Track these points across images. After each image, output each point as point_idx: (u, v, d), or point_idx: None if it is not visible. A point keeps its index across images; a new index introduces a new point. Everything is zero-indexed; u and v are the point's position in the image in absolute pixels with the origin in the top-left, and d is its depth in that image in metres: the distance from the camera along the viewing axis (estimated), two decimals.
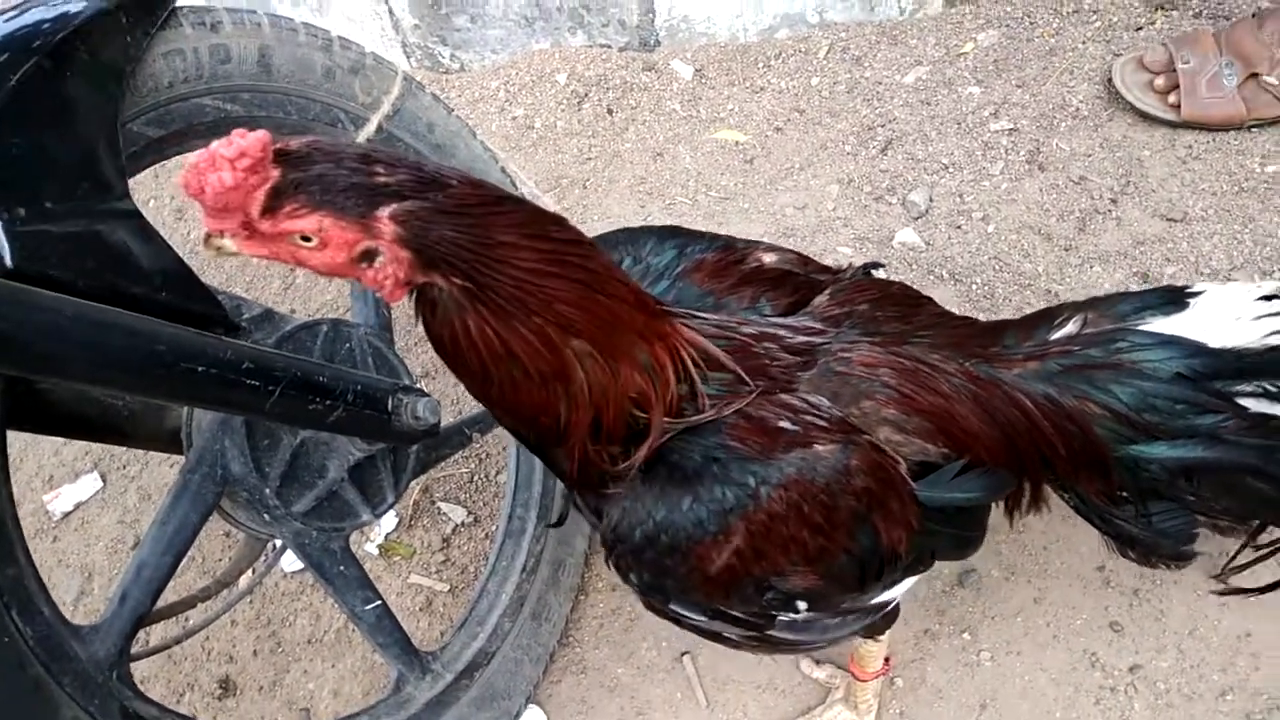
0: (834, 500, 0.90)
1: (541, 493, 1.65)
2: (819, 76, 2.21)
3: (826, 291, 1.02)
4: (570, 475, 0.92)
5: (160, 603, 1.21)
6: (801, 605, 0.97)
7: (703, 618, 0.99)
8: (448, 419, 1.53)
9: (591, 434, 0.86)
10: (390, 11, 2.46)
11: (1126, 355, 1.00)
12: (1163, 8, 2.04)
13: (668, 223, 1.20)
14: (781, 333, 0.94)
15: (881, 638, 1.31)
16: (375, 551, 1.86)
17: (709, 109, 2.24)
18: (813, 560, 0.93)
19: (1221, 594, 1.28)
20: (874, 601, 1.05)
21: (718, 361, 0.88)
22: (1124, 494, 1.05)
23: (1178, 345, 1.00)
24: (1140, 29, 2.04)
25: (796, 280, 1.03)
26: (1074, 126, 1.94)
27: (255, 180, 0.70)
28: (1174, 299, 1.04)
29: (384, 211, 0.72)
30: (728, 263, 1.01)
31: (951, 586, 1.52)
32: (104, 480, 2.15)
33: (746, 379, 0.89)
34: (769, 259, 1.04)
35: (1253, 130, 1.83)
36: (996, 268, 1.80)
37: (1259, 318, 1.01)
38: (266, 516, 1.23)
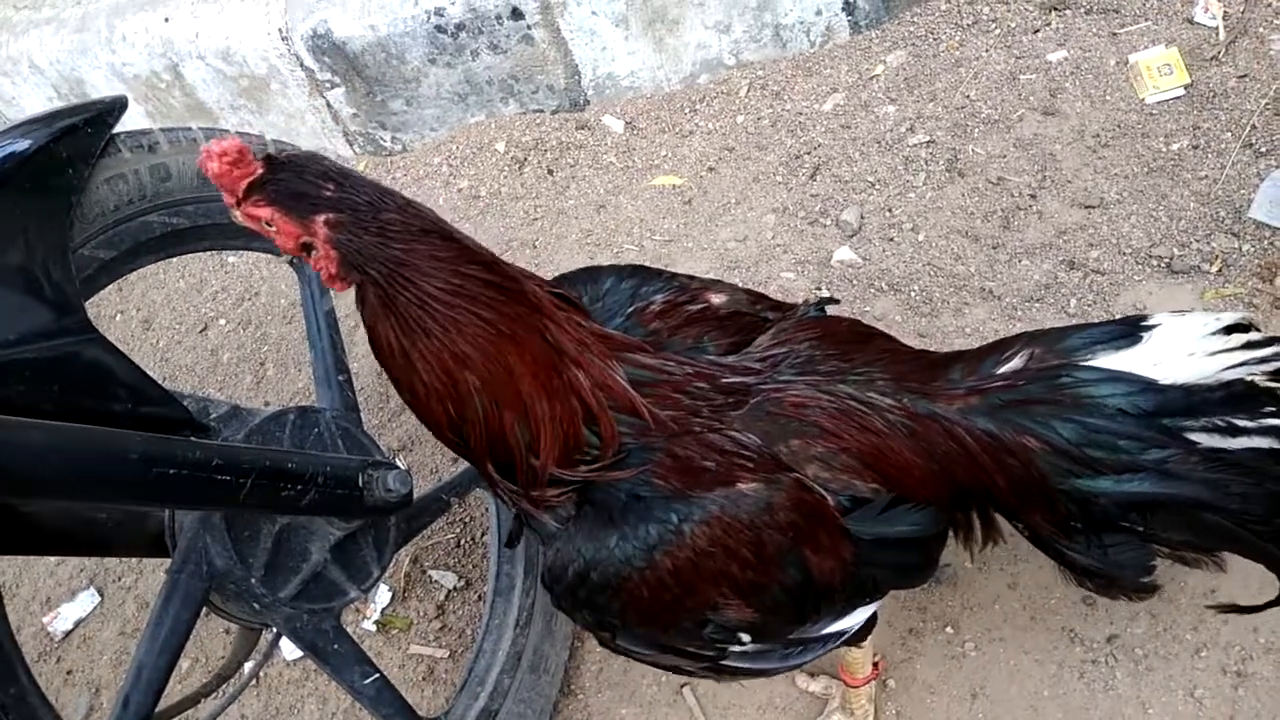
0: (759, 535, 0.94)
1: (525, 547, 1.69)
2: (743, 114, 2.30)
3: (770, 331, 1.07)
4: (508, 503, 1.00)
5: (164, 704, 1.25)
6: (745, 637, 1.01)
7: (652, 652, 1.03)
8: (428, 486, 1.58)
9: (497, 470, 0.95)
10: (328, 104, 2.55)
11: (1069, 391, 1.02)
12: (1055, 9, 2.16)
13: None
14: (716, 372, 1.00)
15: (864, 644, 1.36)
16: (373, 628, 1.89)
17: (644, 158, 2.33)
18: (745, 594, 0.97)
19: (1213, 608, 1.30)
20: (828, 630, 1.09)
21: (630, 407, 0.94)
22: (1076, 525, 1.06)
23: (1123, 381, 1.01)
24: (1038, 31, 2.15)
25: (743, 320, 1.08)
26: (986, 131, 2.04)
27: (240, 172, 0.88)
28: (1127, 333, 1.04)
29: (319, 218, 0.88)
30: (676, 304, 1.07)
31: (930, 584, 1.57)
32: (101, 595, 2.17)
33: (656, 424, 0.95)
34: (717, 299, 1.09)
35: (1153, 113, 1.93)
36: (931, 273, 1.88)
37: (1214, 353, 1.01)
38: (256, 605, 1.27)
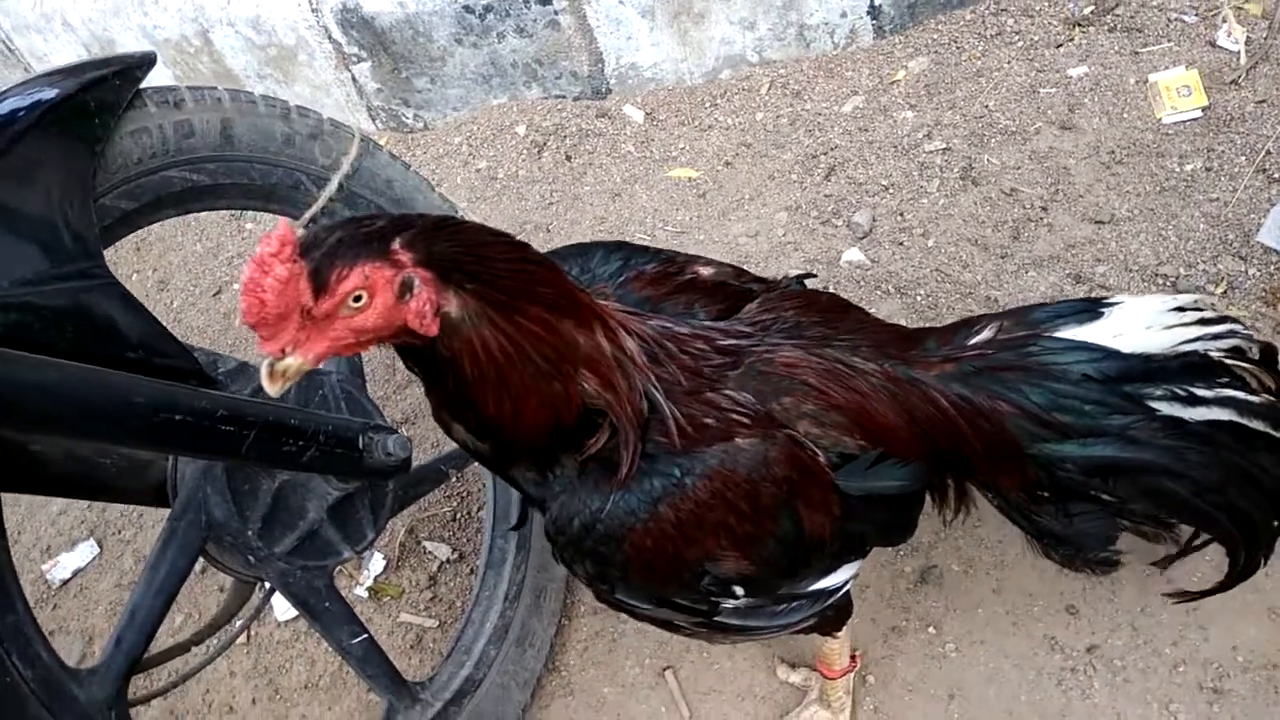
0: (756, 488, 0.97)
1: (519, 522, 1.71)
2: (763, 112, 2.32)
3: (757, 300, 1.10)
4: (533, 478, 1.00)
5: (156, 650, 1.28)
6: (739, 590, 1.04)
7: (649, 605, 1.06)
8: (427, 458, 1.61)
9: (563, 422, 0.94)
10: (353, 79, 2.57)
11: (1036, 358, 1.07)
12: (1079, 25, 2.16)
13: None
14: (713, 335, 1.03)
15: (839, 634, 1.38)
16: (365, 594, 1.92)
17: (661, 149, 2.35)
18: (741, 545, 1.00)
19: (1169, 595, 1.34)
20: (814, 588, 1.12)
21: (642, 370, 0.96)
22: (1044, 493, 1.11)
23: (1086, 349, 1.06)
24: (1060, 45, 2.16)
25: (730, 290, 1.12)
26: (1003, 142, 2.05)
27: (299, 269, 0.78)
28: (1089, 309, 1.10)
29: (396, 244, 0.82)
30: (667, 274, 1.11)
31: (915, 584, 1.59)
32: (100, 546, 2.21)
33: (663, 385, 0.97)
34: (705, 271, 1.13)
35: (1169, 133, 1.94)
36: (938, 279, 1.90)
37: (1170, 327, 1.07)
38: (251, 558, 1.29)
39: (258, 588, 1.47)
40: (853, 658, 1.47)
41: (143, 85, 1.24)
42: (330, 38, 2.47)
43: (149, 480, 1.34)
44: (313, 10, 2.44)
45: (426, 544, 1.94)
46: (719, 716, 1.57)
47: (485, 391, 0.89)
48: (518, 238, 0.93)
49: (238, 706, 1.87)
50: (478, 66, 2.47)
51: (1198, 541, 1.25)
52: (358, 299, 0.80)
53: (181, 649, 1.40)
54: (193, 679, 1.91)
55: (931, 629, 1.55)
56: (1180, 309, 1.08)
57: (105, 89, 1.16)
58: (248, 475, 1.28)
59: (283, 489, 1.32)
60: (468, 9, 2.33)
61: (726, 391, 1.00)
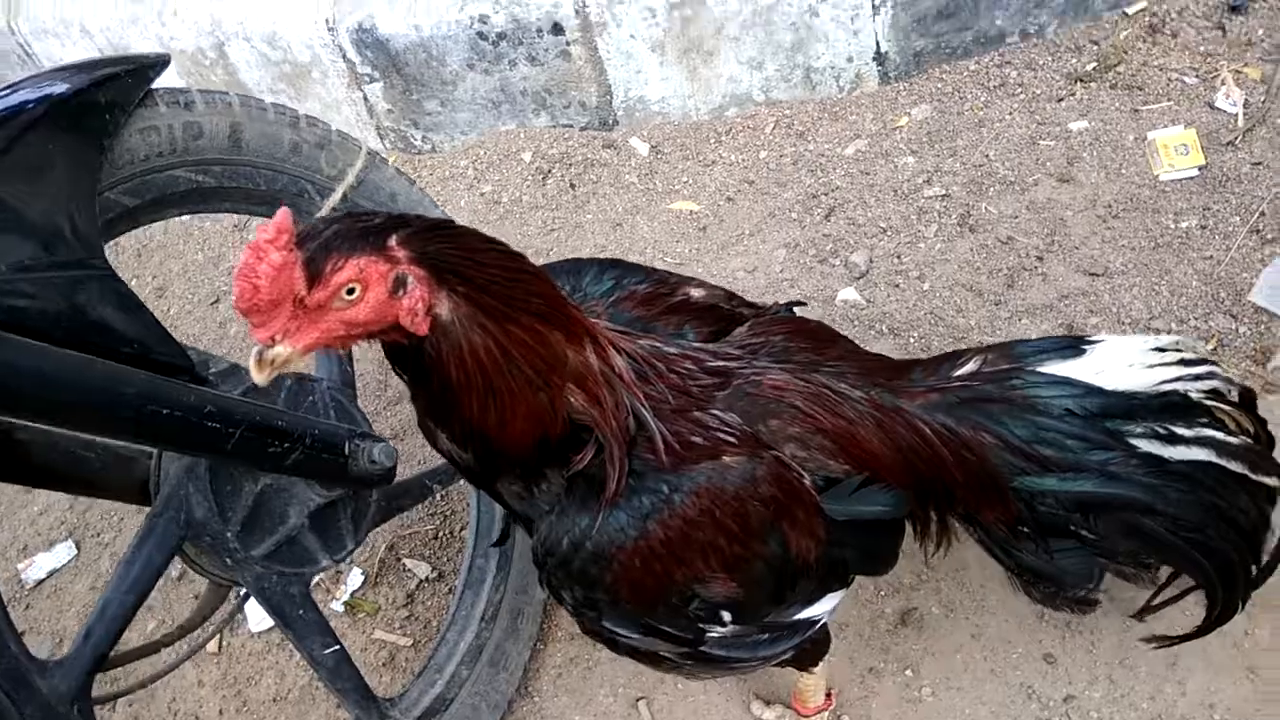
0: (744, 506, 0.97)
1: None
2: (766, 150, 2.35)
3: (747, 324, 1.11)
4: (519, 493, 1.00)
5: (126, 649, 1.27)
6: (726, 616, 1.03)
7: (636, 634, 1.05)
8: (413, 474, 1.61)
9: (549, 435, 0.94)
10: (365, 98, 2.60)
11: (1020, 391, 1.09)
12: (1081, 81, 2.20)
13: None
14: (702, 356, 1.03)
15: (816, 670, 1.37)
16: (341, 609, 1.90)
17: (664, 182, 2.38)
18: (730, 567, 0.99)
19: (1147, 641, 1.34)
20: (797, 617, 1.12)
21: (629, 387, 0.97)
22: (1024, 528, 1.12)
23: (1069, 385, 1.08)
24: (1062, 100, 2.19)
25: (720, 313, 1.13)
26: (1001, 191, 2.07)
27: (294, 258, 0.78)
28: (1072, 345, 1.12)
29: (392, 240, 0.82)
30: (658, 294, 1.12)
31: (895, 625, 1.58)
32: (78, 548, 2.19)
33: (651, 403, 0.97)
34: (697, 294, 1.14)
35: (1166, 190, 1.96)
36: (932, 322, 1.91)
37: (1151, 366, 1.10)
38: (228, 560, 1.29)
39: (232, 593, 1.47)
40: (828, 696, 1.46)
41: (155, 86, 1.27)
42: (344, 57, 2.51)
43: (132, 477, 1.34)
44: (329, 29, 2.47)
45: (406, 561, 1.93)
46: None
47: (471, 397, 0.89)
48: (515, 254, 0.94)
49: (204, 716, 1.84)
50: (488, 92, 2.50)
51: (1174, 591, 1.25)
52: (351, 291, 0.80)
53: (151, 649, 1.38)
54: (160, 686, 1.91)
55: (909, 671, 1.53)
56: (1161, 349, 1.10)
57: (117, 85, 1.18)
58: (231, 476, 1.28)
59: (265, 492, 1.31)
60: (481, 35, 2.37)
61: (714, 411, 1.01)
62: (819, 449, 1.03)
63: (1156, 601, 1.29)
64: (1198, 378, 1.09)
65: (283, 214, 0.76)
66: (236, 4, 2.58)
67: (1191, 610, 1.26)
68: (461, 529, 1.95)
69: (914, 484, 1.07)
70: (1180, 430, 1.07)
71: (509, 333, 0.88)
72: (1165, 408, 1.08)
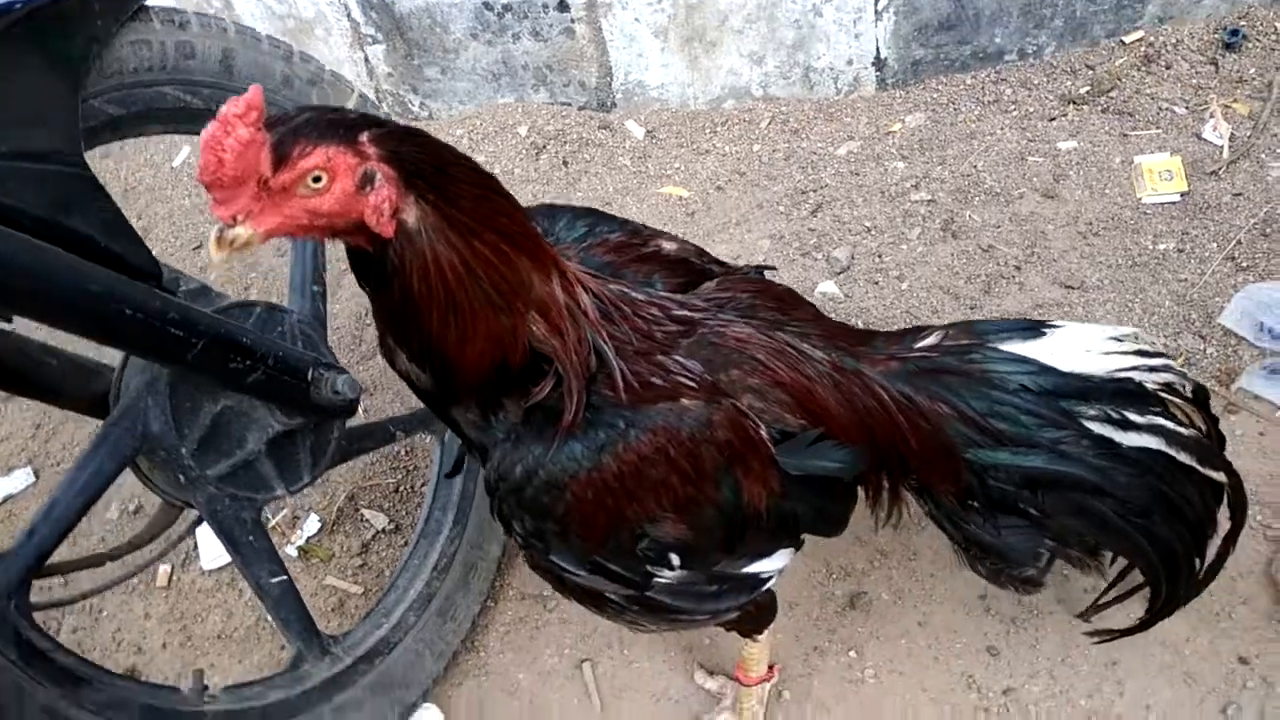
0: (698, 448, 0.98)
1: (460, 496, 1.71)
2: (760, 144, 2.37)
3: (715, 280, 1.12)
4: (475, 420, 1.00)
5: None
6: (675, 559, 1.04)
7: (583, 572, 1.05)
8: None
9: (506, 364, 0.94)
10: (366, 59, 2.61)
11: (979, 365, 1.11)
12: (1074, 102, 2.23)
13: None
14: (668, 304, 1.04)
15: (760, 639, 1.37)
16: (294, 553, 1.89)
17: (657, 166, 2.39)
18: (681, 508, 1.00)
19: (1091, 635, 1.35)
20: (747, 570, 1.12)
21: (594, 325, 0.98)
22: (974, 502, 1.13)
23: (1026, 362, 1.10)
24: (1053, 119, 2.22)
25: (691, 267, 1.14)
26: (986, 201, 2.10)
27: (261, 137, 0.77)
28: (1032, 327, 1.14)
29: (364, 136, 0.82)
30: (630, 244, 1.12)
31: (843, 608, 1.59)
32: (36, 476, 2.18)
33: (614, 342, 0.98)
34: (669, 247, 1.15)
35: (1147, 212, 1.99)
36: (907, 320, 1.93)
37: (1108, 353, 1.12)
38: (181, 478, 1.28)
39: (183, 514, 1.46)
40: (770, 668, 1.47)
41: (151, 3, 1.27)
42: (349, 16, 2.52)
43: (93, 389, 1.34)
44: None
45: (365, 512, 1.93)
46: (631, 714, 1.56)
47: (432, 311, 0.89)
48: (486, 174, 0.94)
49: (146, 648, 1.83)
50: (489, 64, 2.52)
51: (1120, 591, 1.27)
52: (317, 179, 0.80)
53: (95, 561, 1.38)
54: (105, 616, 1.90)
55: (853, 653, 1.54)
56: (1119, 339, 1.11)
57: None
58: (191, 395, 1.28)
59: (224, 414, 1.31)
60: (487, 5, 2.39)
61: (676, 357, 1.01)
62: (777, 402, 1.03)
63: (1102, 601, 1.31)
64: (1153, 369, 1.11)
65: (254, 90, 0.76)
66: None
67: (1136, 613, 1.28)
68: (423, 485, 1.95)
69: (869, 448, 1.08)
70: (1132, 416, 1.09)
71: (474, 248, 0.88)
72: (1119, 393, 1.09)
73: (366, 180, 0.82)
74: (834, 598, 1.60)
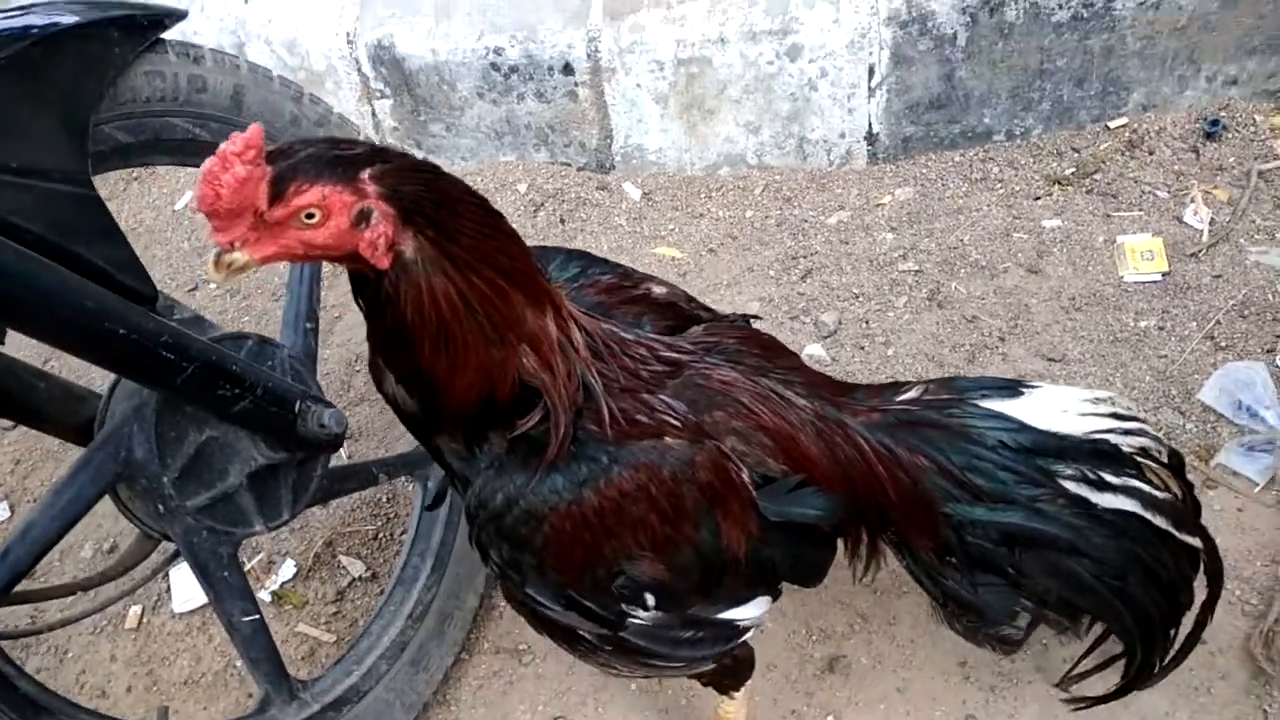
0: (679, 488, 0.98)
1: (440, 545, 1.69)
2: (753, 210, 2.42)
3: (703, 325, 1.14)
4: (459, 451, 1.01)
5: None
6: (650, 600, 1.03)
7: (557, 607, 1.04)
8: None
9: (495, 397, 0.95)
10: (374, 113, 2.67)
11: (958, 420, 1.12)
12: (1059, 183, 2.30)
13: None
14: (656, 345, 1.06)
15: (737, 696, 1.35)
16: (268, 598, 1.86)
17: (652, 228, 2.44)
18: (659, 547, 1.00)
19: (1069, 701, 1.34)
20: (723, 616, 1.11)
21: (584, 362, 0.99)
22: (952, 559, 1.13)
23: (1004, 419, 1.11)
24: (1038, 198, 2.28)
25: (679, 311, 1.16)
26: (972, 274, 2.14)
27: (259, 173, 0.80)
28: (1010, 386, 1.16)
29: (365, 174, 0.83)
30: (621, 286, 1.15)
31: (822, 671, 1.57)
32: (12, 510, 2.15)
33: (601, 379, 0.99)
34: (658, 290, 1.17)
35: (1129, 290, 2.03)
36: None
37: (1085, 414, 1.14)
38: (160, 507, 1.28)
39: (159, 549, 1.44)
40: None
41: (168, 37, 1.31)
42: (359, 70, 2.59)
43: (79, 416, 1.34)
44: (348, 42, 2.55)
45: (343, 558, 1.91)
46: None
47: (424, 340, 0.91)
48: (491, 210, 0.96)
49: (110, 692, 1.79)
50: (493, 122, 2.58)
51: (1098, 660, 1.26)
52: (310, 216, 0.82)
53: (67, 590, 1.36)
54: (70, 658, 1.86)
55: (831, 718, 1.52)
56: (1096, 401, 1.13)
57: (132, 25, 1.22)
58: (177, 424, 1.27)
59: (209, 444, 1.31)
60: (495, 66, 2.45)
61: (662, 396, 1.02)
62: (759, 446, 1.04)
63: (1079, 670, 1.30)
64: (1128, 432, 1.12)
65: (254, 129, 0.78)
66: (265, 7, 2.67)
67: (1114, 681, 1.27)
68: (403, 533, 1.93)
69: (849, 497, 1.09)
70: (1108, 477, 1.09)
71: (471, 283, 0.90)
72: (1095, 454, 1.10)
73: (362, 218, 0.84)
74: (813, 660, 1.59)
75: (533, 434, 0.97)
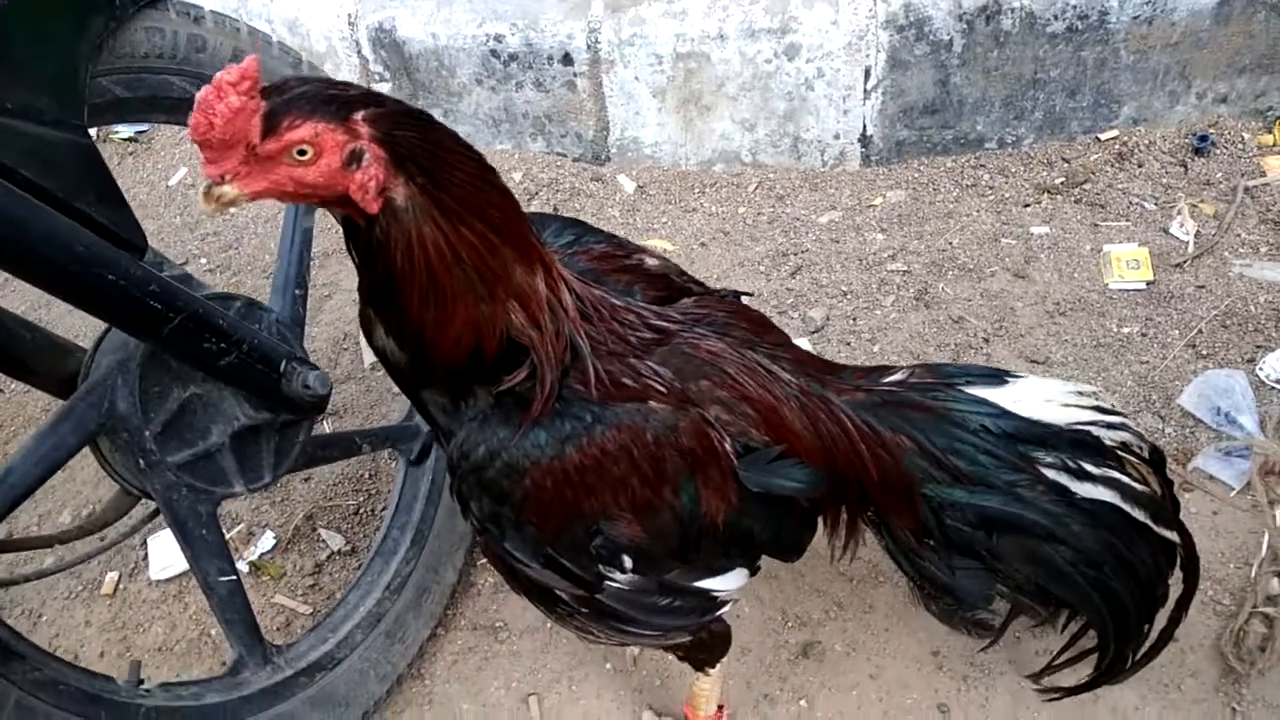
0: (661, 451, 0.99)
1: (420, 519, 1.70)
2: (746, 207, 2.44)
3: (693, 298, 1.15)
4: (445, 405, 1.01)
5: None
6: (627, 561, 1.03)
7: (536, 564, 1.05)
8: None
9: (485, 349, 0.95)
10: None
11: (942, 403, 1.13)
12: (1048, 191, 2.32)
13: None
14: (645, 313, 1.06)
15: (712, 673, 1.36)
16: (246, 569, 1.86)
17: (645, 220, 2.45)
18: (638, 509, 1.00)
19: (1041, 691, 1.35)
20: (699, 584, 1.12)
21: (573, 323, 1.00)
22: (930, 541, 1.14)
23: (987, 404, 1.13)
24: (1028, 205, 2.30)
25: (670, 282, 1.17)
26: (959, 276, 2.16)
27: (253, 105, 0.80)
28: (996, 375, 1.17)
29: (359, 115, 0.83)
30: (614, 255, 1.15)
31: (796, 656, 1.58)
32: None
33: (589, 340, 1.00)
34: (651, 262, 1.18)
35: (1113, 297, 2.06)
36: None
37: (1068, 405, 1.15)
38: (141, 462, 1.27)
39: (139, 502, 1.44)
40: (720, 709, 1.45)
41: None
42: (359, 52, 2.59)
43: (65, 369, 1.33)
44: (350, 24, 2.56)
45: (322, 531, 1.90)
46: None
47: (413, 289, 0.91)
48: (480, 155, 0.96)
49: (83, 657, 1.78)
50: (491, 110, 2.59)
51: (1072, 654, 1.26)
52: (303, 152, 0.82)
53: (42, 542, 1.35)
54: (43, 622, 1.84)
55: (803, 702, 1.52)
56: (1080, 393, 1.14)
57: None
58: (161, 379, 1.27)
59: (192, 401, 1.31)
60: (494, 54, 2.47)
61: (649, 362, 1.03)
62: (743, 416, 1.05)
63: (1056, 663, 1.30)
64: (1110, 426, 1.13)
65: (250, 60, 0.79)
66: None
67: (1085, 674, 1.27)
68: (384, 509, 1.93)
69: (830, 472, 1.09)
70: (1088, 467, 1.10)
71: (460, 233, 0.90)
72: (1076, 444, 1.11)
73: (354, 158, 0.84)
74: (788, 645, 1.59)
75: (519, 390, 0.98)
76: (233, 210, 0.87)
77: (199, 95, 0.79)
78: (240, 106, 0.79)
